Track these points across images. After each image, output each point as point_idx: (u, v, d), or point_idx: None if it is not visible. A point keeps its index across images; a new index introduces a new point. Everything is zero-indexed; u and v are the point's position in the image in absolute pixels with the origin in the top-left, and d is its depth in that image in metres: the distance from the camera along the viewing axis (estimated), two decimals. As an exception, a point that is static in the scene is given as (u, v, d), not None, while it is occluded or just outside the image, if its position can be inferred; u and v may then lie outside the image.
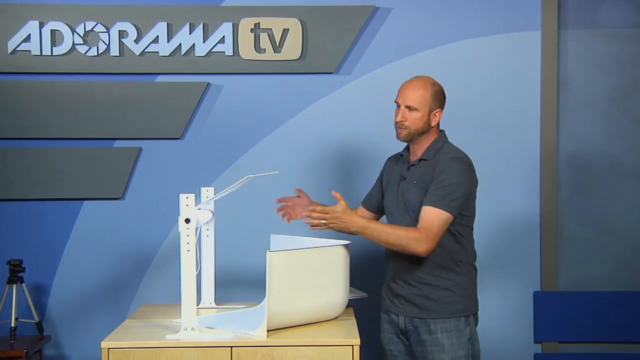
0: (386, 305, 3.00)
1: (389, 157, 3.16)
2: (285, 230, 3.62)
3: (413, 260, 2.82)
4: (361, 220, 2.75)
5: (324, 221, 2.70)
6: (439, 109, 2.87)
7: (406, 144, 2.99)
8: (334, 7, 3.83)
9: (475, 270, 2.96)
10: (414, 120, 2.83)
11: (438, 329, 2.83)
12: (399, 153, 3.08)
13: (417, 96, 2.82)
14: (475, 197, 2.93)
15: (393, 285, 2.94)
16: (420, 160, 2.89)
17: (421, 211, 2.75)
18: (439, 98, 2.87)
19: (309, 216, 2.74)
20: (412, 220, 2.84)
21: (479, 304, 2.98)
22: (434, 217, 2.72)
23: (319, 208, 2.72)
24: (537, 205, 3.89)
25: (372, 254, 3.83)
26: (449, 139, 3.00)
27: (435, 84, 2.88)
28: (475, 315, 2.93)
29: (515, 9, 3.85)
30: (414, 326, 2.88)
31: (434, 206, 2.73)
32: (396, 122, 2.88)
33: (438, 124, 2.92)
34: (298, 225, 3.75)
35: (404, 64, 3.86)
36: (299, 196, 3.21)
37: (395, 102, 2.92)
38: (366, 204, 3.23)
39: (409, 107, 2.83)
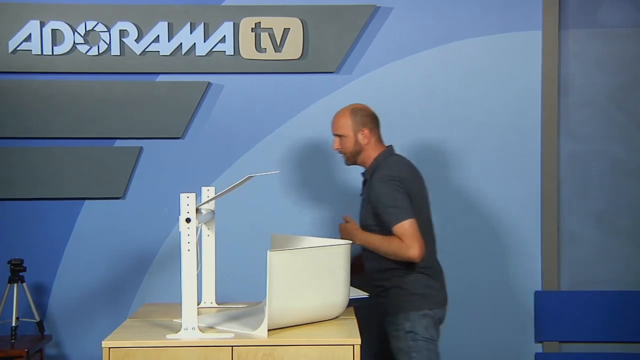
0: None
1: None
2: (286, 229, 3.64)
3: (370, 266, 3.19)
4: (364, 233, 3.13)
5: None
6: (365, 128, 3.18)
7: None
8: (335, 6, 3.83)
9: (427, 270, 3.13)
10: (344, 145, 3.20)
11: (388, 323, 3.14)
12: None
13: (340, 124, 3.19)
14: (419, 202, 3.15)
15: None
16: (365, 179, 3.22)
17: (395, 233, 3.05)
18: (361, 119, 3.18)
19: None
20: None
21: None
22: (401, 229, 3.01)
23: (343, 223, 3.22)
24: (538, 204, 3.89)
25: None
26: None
27: (355, 109, 3.20)
28: (423, 312, 3.09)
29: (516, 8, 3.85)
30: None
31: (395, 225, 3.01)
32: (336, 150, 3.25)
33: (377, 141, 3.21)
34: (299, 225, 3.80)
35: (404, 64, 3.87)
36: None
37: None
38: None
39: (338, 135, 3.21)
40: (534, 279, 3.89)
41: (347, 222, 3.21)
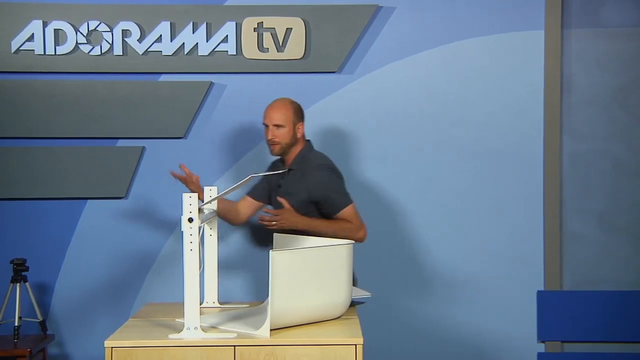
0: None
1: (273, 161, 3.50)
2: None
3: None
4: (306, 217, 3.20)
5: (274, 222, 3.14)
6: (301, 122, 3.34)
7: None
8: (337, 6, 3.82)
9: None
10: (282, 135, 3.29)
11: None
12: (278, 160, 3.44)
13: (281, 115, 3.29)
14: None
15: None
16: (289, 170, 3.32)
17: (340, 218, 3.24)
18: (299, 113, 3.34)
19: (262, 218, 3.18)
20: None
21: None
22: (349, 212, 3.23)
23: (271, 211, 3.20)
24: (541, 203, 3.89)
25: (376, 254, 3.84)
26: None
27: (293, 102, 3.35)
28: None
29: (518, 8, 3.85)
30: None
31: (341, 209, 3.22)
32: (268, 140, 3.32)
33: (303, 135, 3.35)
34: None
35: (406, 64, 3.87)
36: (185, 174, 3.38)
37: (263, 124, 3.32)
38: (255, 195, 3.52)
39: (276, 125, 3.28)
40: (536, 278, 3.89)
41: (284, 208, 3.19)
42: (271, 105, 3.33)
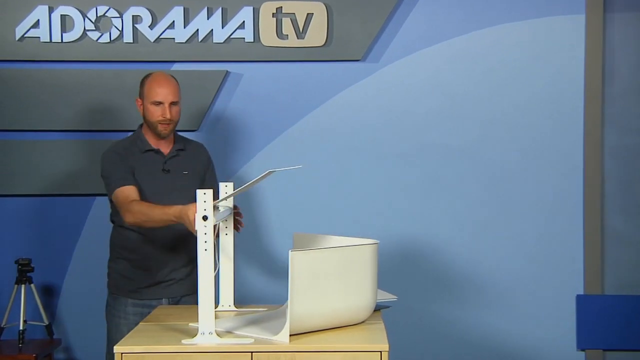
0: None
1: (115, 150, 3.16)
2: (310, 228, 3.55)
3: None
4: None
5: None
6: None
7: (126, 135, 3.28)
8: (361, -10, 3.83)
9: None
10: (176, 113, 3.14)
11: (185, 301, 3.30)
12: (125, 142, 3.18)
13: (177, 91, 3.14)
14: None
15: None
16: (177, 150, 3.20)
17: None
18: None
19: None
20: None
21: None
22: None
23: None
24: (581, 201, 3.84)
25: (402, 255, 3.80)
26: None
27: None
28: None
29: (557, -9, 3.84)
30: None
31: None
32: (159, 121, 3.09)
33: None
34: (323, 222, 3.77)
35: (435, 51, 3.83)
36: None
37: (155, 101, 3.08)
38: (133, 181, 3.13)
39: (174, 103, 3.12)
40: (576, 281, 3.85)
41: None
42: (161, 81, 3.12)
